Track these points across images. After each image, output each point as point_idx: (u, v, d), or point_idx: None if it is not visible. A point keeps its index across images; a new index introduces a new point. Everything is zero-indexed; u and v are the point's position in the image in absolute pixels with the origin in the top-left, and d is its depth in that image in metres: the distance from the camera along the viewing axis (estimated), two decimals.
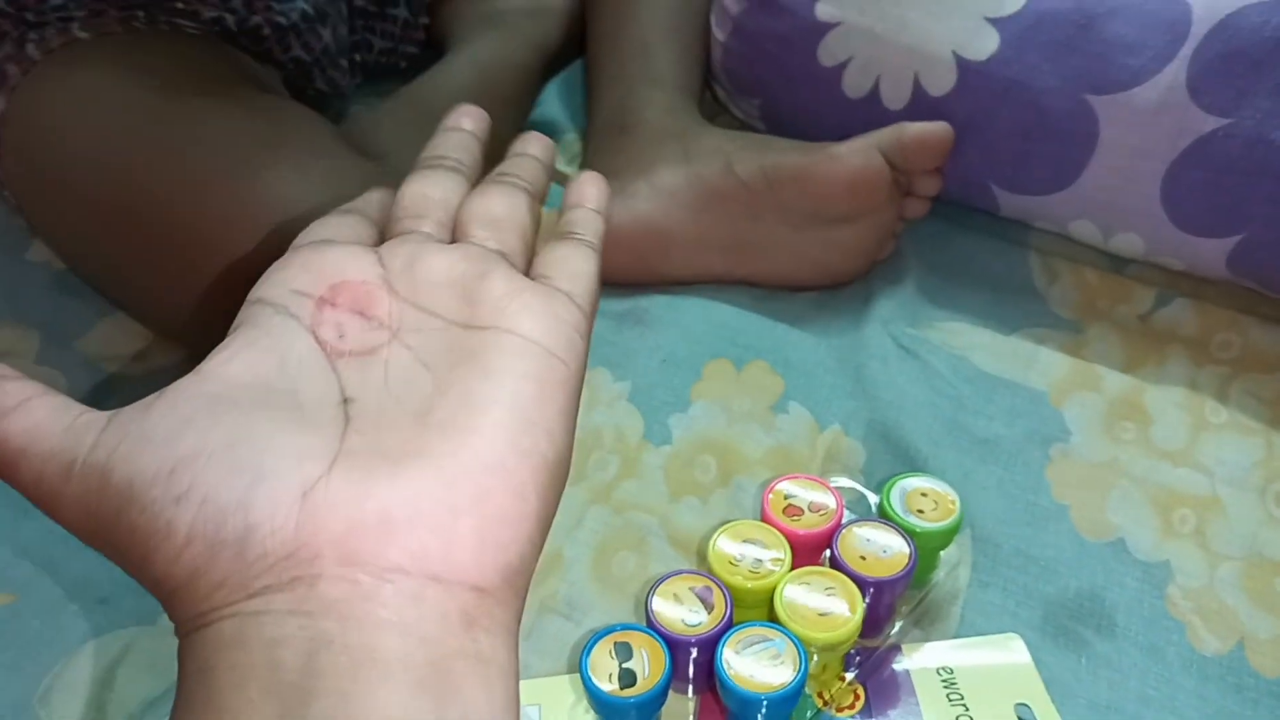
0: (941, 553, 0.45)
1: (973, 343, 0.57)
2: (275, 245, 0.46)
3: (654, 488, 0.51)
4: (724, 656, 0.38)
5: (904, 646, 0.43)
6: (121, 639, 0.45)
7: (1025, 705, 0.41)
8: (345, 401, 0.26)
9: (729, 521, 0.43)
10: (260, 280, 0.30)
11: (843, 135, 0.57)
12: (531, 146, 0.39)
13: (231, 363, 0.26)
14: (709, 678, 0.41)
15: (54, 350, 0.59)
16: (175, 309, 0.52)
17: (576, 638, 0.44)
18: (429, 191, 0.34)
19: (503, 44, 0.75)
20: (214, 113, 0.53)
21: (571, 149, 0.74)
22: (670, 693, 0.39)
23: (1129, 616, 0.45)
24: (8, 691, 0.44)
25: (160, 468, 0.23)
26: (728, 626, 0.39)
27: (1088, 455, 0.51)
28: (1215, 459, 0.51)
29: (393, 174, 0.55)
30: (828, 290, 0.61)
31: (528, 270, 0.32)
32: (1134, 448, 0.51)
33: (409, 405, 0.26)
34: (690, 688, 0.41)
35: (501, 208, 0.33)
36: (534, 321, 0.28)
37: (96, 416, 0.25)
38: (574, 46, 0.81)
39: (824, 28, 0.63)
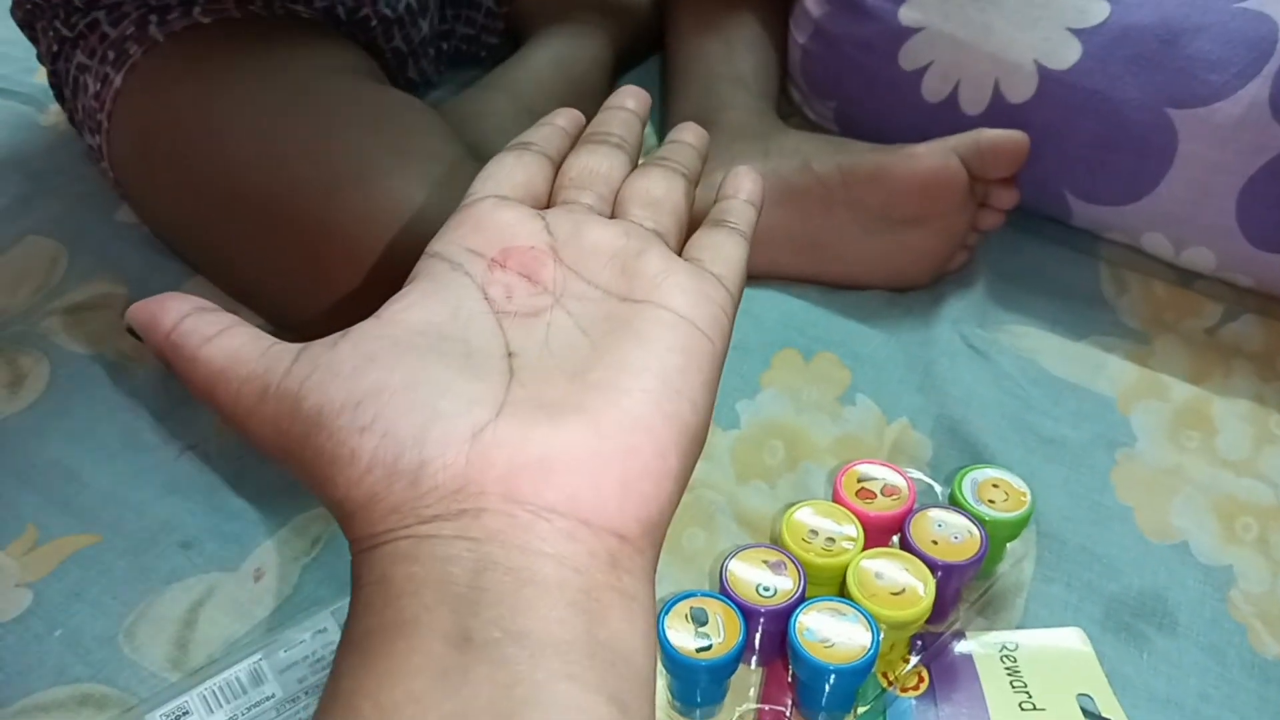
0: (1008, 545, 0.46)
1: (1042, 346, 0.58)
2: (398, 245, 0.48)
3: (722, 469, 0.52)
4: (797, 625, 0.38)
5: (968, 633, 0.44)
6: (204, 582, 0.47)
7: (1087, 695, 0.42)
8: (510, 355, 0.28)
9: (800, 501, 0.44)
10: (437, 235, 0.33)
11: (919, 139, 0.58)
12: (688, 134, 0.41)
13: (410, 310, 0.29)
14: (776, 650, 0.42)
15: None
16: (283, 297, 0.54)
17: None
18: (595, 165, 0.37)
19: (582, 40, 0.77)
20: (339, 110, 0.54)
21: (646, 141, 0.75)
22: None
23: (1191, 616, 0.45)
24: (93, 627, 0.45)
25: (348, 399, 0.25)
26: (801, 599, 0.40)
27: (1153, 461, 0.52)
28: (1279, 471, 0.51)
29: None
30: (897, 290, 0.62)
31: (679, 249, 0.35)
32: (1198, 456, 0.52)
33: (567, 364, 0.28)
34: (755, 658, 0.42)
35: (660, 190, 0.36)
36: (685, 299, 0.30)
37: (288, 347, 0.28)
38: (647, 45, 0.82)
39: (907, 32, 0.64)
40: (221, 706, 0.39)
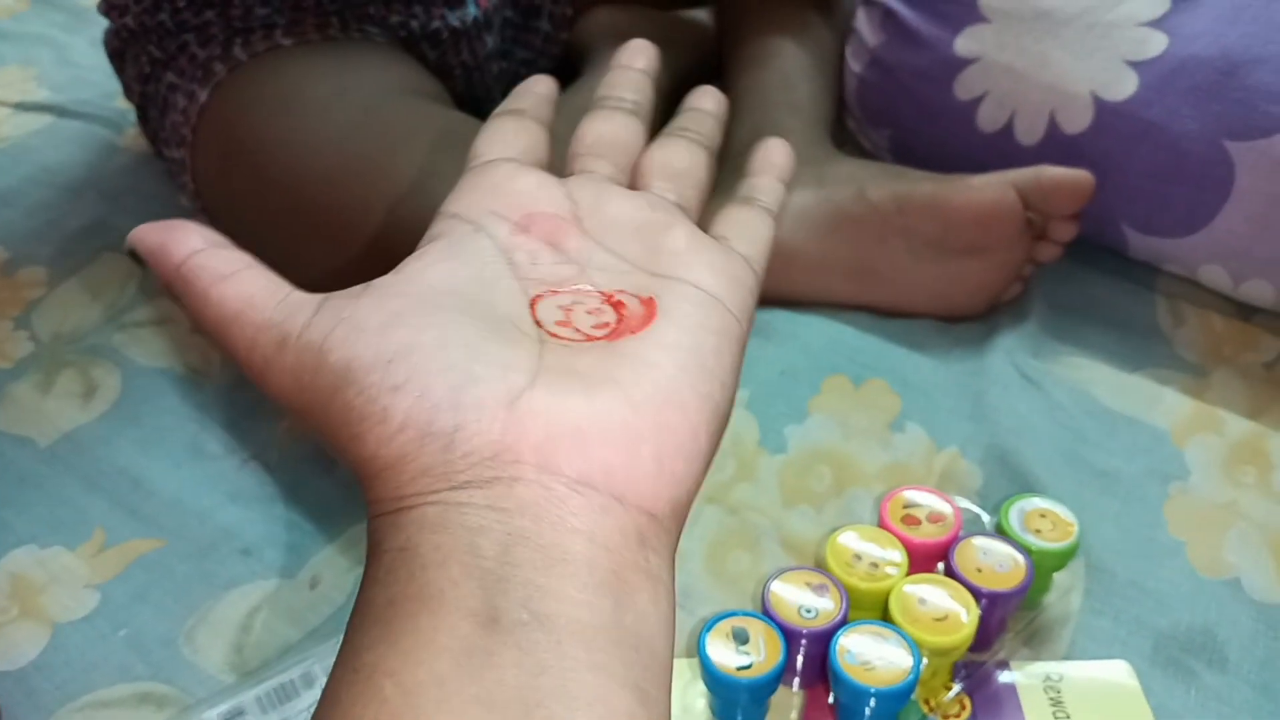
0: (1055, 575, 0.46)
1: (1096, 378, 0.58)
2: None
3: (768, 493, 0.52)
4: (839, 646, 0.39)
5: (1012, 663, 0.44)
6: (262, 589, 0.48)
7: None
8: (539, 323, 0.27)
9: (845, 525, 0.45)
10: (453, 196, 0.32)
11: (973, 169, 0.58)
12: (708, 101, 0.40)
13: (431, 269, 0.28)
14: (818, 672, 0.42)
15: None
16: None
17: (690, 625, 0.46)
18: (612, 133, 0.36)
19: None
20: (405, 128, 0.57)
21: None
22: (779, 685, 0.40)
23: (1242, 654, 0.44)
24: (155, 628, 0.47)
25: (378, 356, 0.24)
26: (843, 621, 0.40)
27: (1207, 495, 0.51)
28: None
29: None
30: (949, 319, 0.62)
31: (698, 222, 0.33)
32: (1254, 491, 0.51)
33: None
34: (797, 681, 0.43)
35: (682, 162, 0.35)
36: (714, 278, 0.29)
37: (306, 297, 0.27)
38: (703, 76, 0.83)
39: (962, 62, 0.65)
40: (276, 708, 0.40)
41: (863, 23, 0.71)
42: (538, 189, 0.32)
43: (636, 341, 0.27)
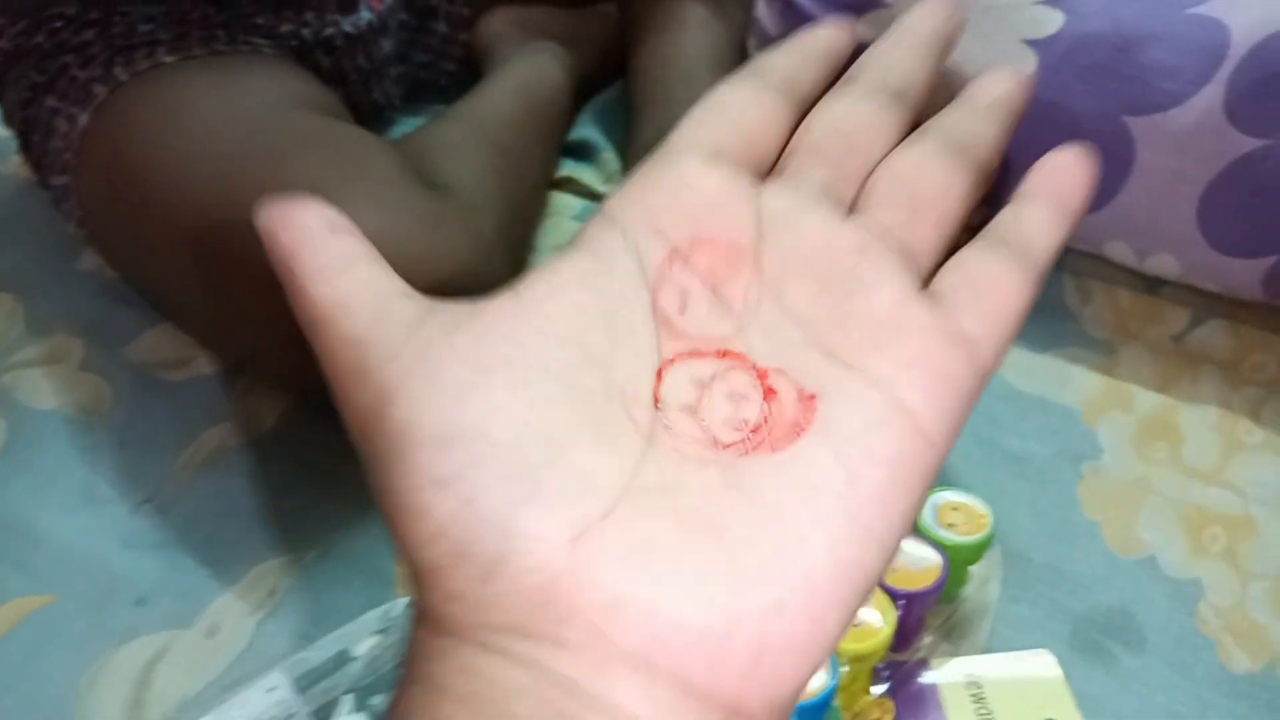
0: (970, 568, 0.45)
1: (1006, 361, 0.57)
2: None
3: None
4: None
5: (932, 660, 0.44)
6: (159, 640, 0.46)
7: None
8: (657, 404, 0.20)
9: None
10: (623, 190, 0.23)
11: None
12: (996, 87, 0.26)
13: (557, 297, 0.21)
14: None
15: (99, 357, 0.61)
16: (242, 336, 0.53)
17: None
18: (849, 123, 0.24)
19: (543, 69, 0.77)
20: (293, 143, 0.55)
21: (608, 167, 0.75)
22: None
23: (1159, 633, 0.45)
24: (49, 688, 0.45)
25: (437, 430, 0.19)
26: None
27: (1119, 473, 0.51)
28: (1248, 479, 0.50)
29: (460, 207, 0.57)
30: None
31: (930, 272, 0.23)
32: (1165, 467, 0.51)
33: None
34: None
35: (934, 186, 0.23)
36: (915, 381, 0.20)
37: (406, 313, 0.21)
38: (607, 73, 0.82)
39: (864, 48, 0.64)
40: None
41: (763, 12, 0.71)
42: (722, 199, 0.23)
43: (770, 467, 0.19)
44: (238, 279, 0.52)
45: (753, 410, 0.20)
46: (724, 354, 0.21)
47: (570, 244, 0.22)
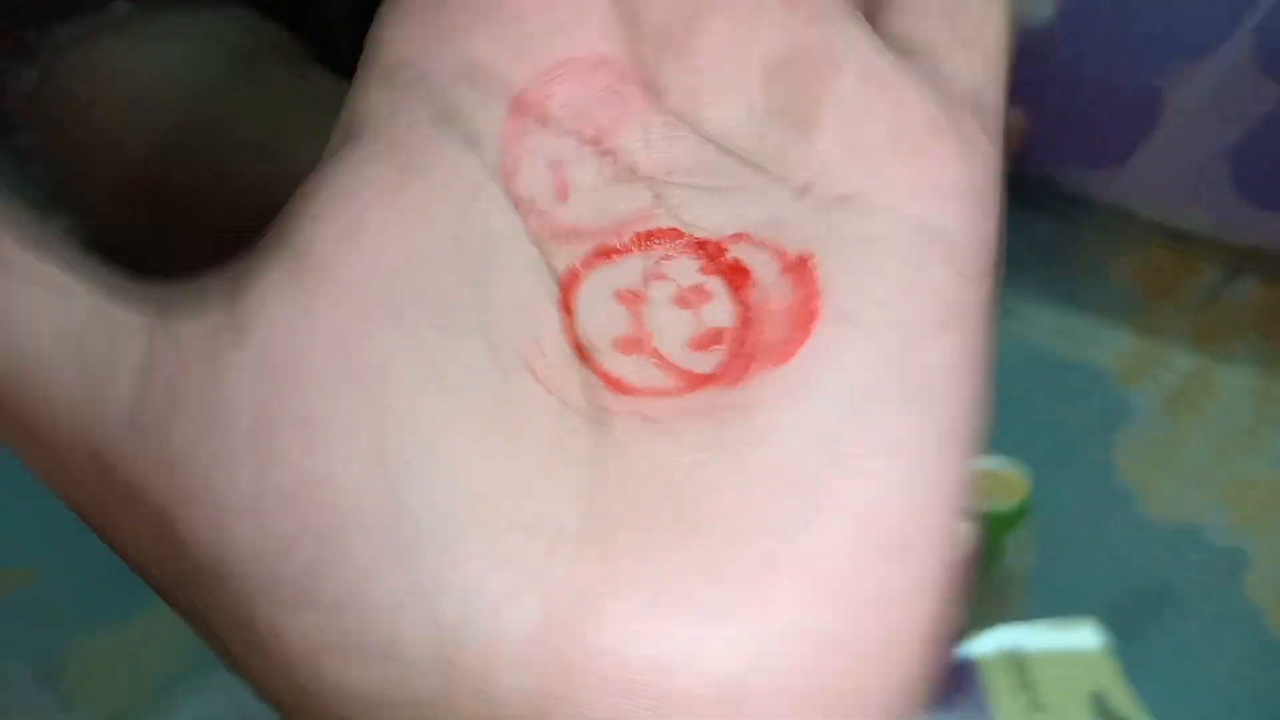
0: (1005, 538, 0.44)
1: (1033, 323, 0.56)
2: None
3: None
4: None
5: (969, 633, 0.42)
6: (145, 618, 0.45)
7: (1100, 693, 0.40)
8: (582, 352, 0.12)
9: None
10: (391, 13, 0.14)
11: None
12: None
13: (360, 246, 0.12)
14: None
15: None
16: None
17: None
18: None
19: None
20: (244, 96, 0.53)
21: None
22: None
23: (1203, 601, 0.43)
24: (30, 665, 0.44)
25: (262, 532, 0.11)
26: None
27: (1157, 436, 0.50)
28: None
29: None
30: None
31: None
32: (1202, 430, 0.50)
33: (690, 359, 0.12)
34: None
35: None
36: (933, 190, 0.13)
37: (132, 323, 0.13)
38: None
39: None
40: None
41: None
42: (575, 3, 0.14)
43: (784, 388, 0.12)
44: (177, 232, 0.51)
45: (722, 308, 0.12)
46: (646, 238, 0.13)
47: (340, 139, 0.14)
